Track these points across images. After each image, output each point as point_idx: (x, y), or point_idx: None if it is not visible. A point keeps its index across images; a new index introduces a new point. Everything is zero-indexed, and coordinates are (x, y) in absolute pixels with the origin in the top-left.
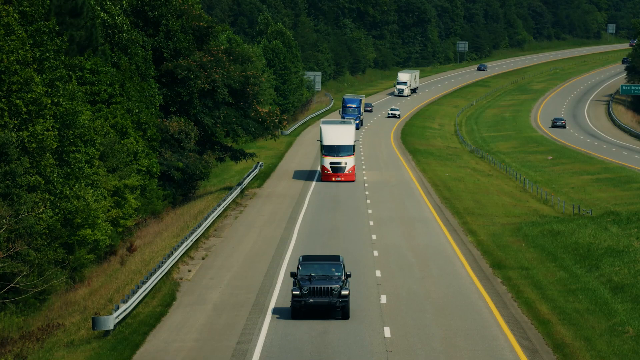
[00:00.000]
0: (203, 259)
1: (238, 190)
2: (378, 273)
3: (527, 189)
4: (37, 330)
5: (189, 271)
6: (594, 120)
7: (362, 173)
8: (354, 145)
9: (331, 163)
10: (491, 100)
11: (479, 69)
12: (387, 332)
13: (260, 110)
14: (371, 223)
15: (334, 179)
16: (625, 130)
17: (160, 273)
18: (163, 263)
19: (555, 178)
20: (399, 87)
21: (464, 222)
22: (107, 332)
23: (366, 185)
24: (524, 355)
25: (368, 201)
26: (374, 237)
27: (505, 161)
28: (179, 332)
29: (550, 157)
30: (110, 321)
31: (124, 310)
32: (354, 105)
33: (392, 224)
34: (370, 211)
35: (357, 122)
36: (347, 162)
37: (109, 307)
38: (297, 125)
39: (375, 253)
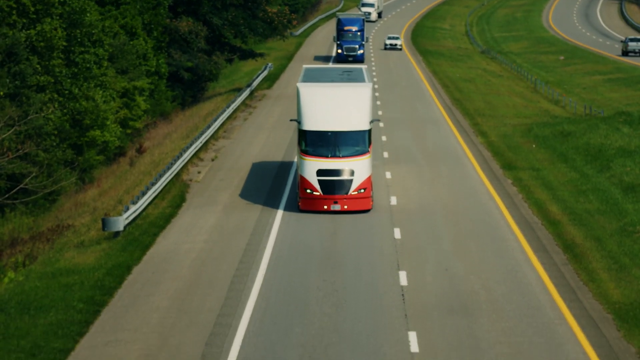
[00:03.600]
0: (212, 160)
1: (247, 91)
2: (388, 175)
3: (539, 89)
4: (47, 230)
5: (199, 172)
6: (606, 19)
7: (372, 75)
8: (369, 132)
9: (320, 173)
10: (502, 0)
11: None
12: (396, 233)
13: (269, 10)
14: (381, 125)
15: (324, 207)
16: (638, 30)
17: (170, 174)
18: (172, 164)
19: (566, 78)
20: (364, 9)
21: (474, 123)
22: (117, 233)
23: (376, 86)
24: (534, 256)
25: (378, 102)
26: (384, 138)
27: (516, 62)
28: (189, 233)
29: (562, 58)
30: (120, 222)
31: (134, 212)
32: (354, 29)
33: (402, 125)
34: (380, 112)
35: (361, 51)
36: (355, 170)
37: (119, 208)
38: (306, 27)
39: (386, 155)
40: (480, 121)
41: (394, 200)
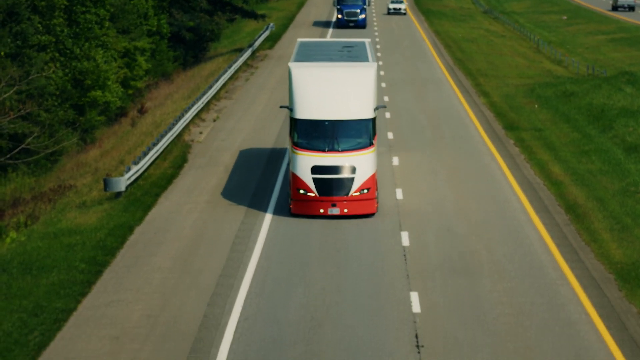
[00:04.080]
0: (214, 120)
1: (249, 52)
2: (390, 135)
3: (541, 49)
4: (49, 191)
5: (200, 133)
6: None
7: (375, 35)
8: (373, 121)
9: (316, 170)
10: None
11: None
12: (399, 194)
13: None
14: (383, 85)
15: (320, 211)
16: None
17: (172, 135)
18: (174, 125)
19: (569, 38)
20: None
21: (476, 83)
22: (119, 193)
23: (378, 47)
24: (536, 216)
25: (380, 62)
26: (386, 99)
27: (519, 22)
28: (191, 193)
29: (565, 17)
30: (121, 183)
31: (135, 172)
32: None
33: (404, 86)
34: (382, 73)
35: (363, 16)
36: (357, 166)
37: (121, 169)
38: None
39: (387, 115)
40: (483, 81)
41: (395, 161)
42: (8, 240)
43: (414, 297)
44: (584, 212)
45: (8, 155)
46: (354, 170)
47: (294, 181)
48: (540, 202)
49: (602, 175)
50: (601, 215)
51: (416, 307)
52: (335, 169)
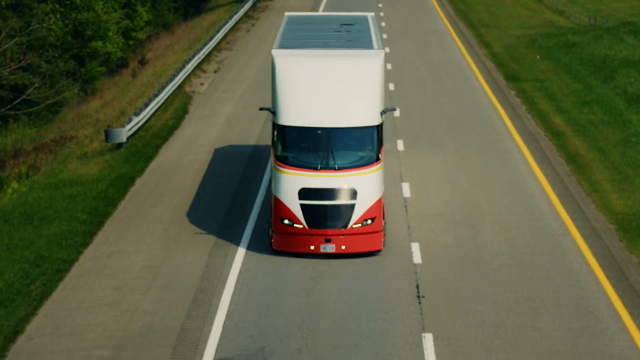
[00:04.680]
0: (215, 72)
1: (250, 3)
2: (391, 86)
3: (543, 0)
4: (50, 142)
5: (202, 84)
6: None
7: None
8: (379, 128)
9: (305, 195)
10: None
11: None
12: (400, 144)
13: None
14: (385, 36)
15: (311, 248)
16: None
17: (173, 86)
18: (175, 76)
19: None
20: None
21: (478, 34)
22: (120, 144)
23: None
24: (537, 167)
25: (382, 14)
26: (387, 50)
27: None
28: (192, 145)
29: None
30: (122, 134)
31: (137, 123)
32: None
33: (405, 37)
34: (383, 24)
35: None
36: (359, 189)
37: (122, 120)
38: None
39: (389, 66)
40: (484, 32)
41: (397, 113)
42: (9, 190)
43: (415, 248)
44: (585, 163)
45: (9, 106)
46: (354, 194)
47: (276, 208)
48: (542, 153)
49: (603, 126)
50: (602, 166)
51: (417, 258)
52: (330, 193)
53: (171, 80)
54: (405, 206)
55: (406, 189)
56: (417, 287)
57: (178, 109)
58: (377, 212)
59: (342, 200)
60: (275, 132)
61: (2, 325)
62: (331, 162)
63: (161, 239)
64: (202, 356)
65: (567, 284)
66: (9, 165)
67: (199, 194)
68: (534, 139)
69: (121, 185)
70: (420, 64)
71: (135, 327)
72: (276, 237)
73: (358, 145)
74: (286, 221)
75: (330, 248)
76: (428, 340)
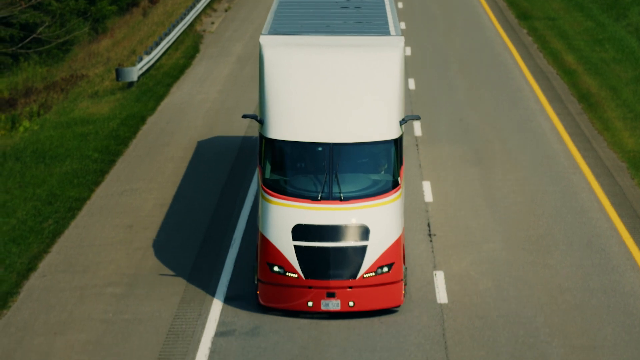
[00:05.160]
0: (226, 11)
1: None
2: (403, 25)
3: None
4: (61, 80)
5: (212, 23)
6: None
7: None
8: (396, 143)
9: (301, 234)
10: None
11: None
12: (411, 83)
13: None
14: None
15: (308, 305)
16: None
17: (184, 25)
18: (186, 15)
19: None
20: None
21: None
22: (131, 83)
23: None
24: (549, 106)
25: None
26: None
27: None
28: (203, 83)
29: None
30: (133, 73)
31: (147, 62)
32: None
33: None
34: None
35: None
36: (372, 226)
37: (132, 59)
38: None
39: (400, 5)
40: None
41: (408, 51)
42: (21, 129)
43: (426, 186)
44: (597, 101)
45: (19, 45)
46: (365, 233)
47: (263, 250)
48: (553, 92)
49: (615, 63)
50: (614, 103)
51: (428, 197)
52: (333, 232)
53: (182, 19)
54: (417, 145)
55: (417, 128)
56: (428, 225)
57: (189, 48)
58: (395, 257)
59: (350, 241)
60: (263, 148)
61: (16, 262)
62: (335, 190)
63: (172, 177)
64: (213, 293)
65: (578, 221)
66: (20, 104)
67: (210, 133)
68: (545, 77)
69: (132, 124)
70: (432, 2)
71: (147, 264)
72: (263, 288)
73: (371, 166)
74: (276, 268)
75: (334, 305)
76: (439, 277)
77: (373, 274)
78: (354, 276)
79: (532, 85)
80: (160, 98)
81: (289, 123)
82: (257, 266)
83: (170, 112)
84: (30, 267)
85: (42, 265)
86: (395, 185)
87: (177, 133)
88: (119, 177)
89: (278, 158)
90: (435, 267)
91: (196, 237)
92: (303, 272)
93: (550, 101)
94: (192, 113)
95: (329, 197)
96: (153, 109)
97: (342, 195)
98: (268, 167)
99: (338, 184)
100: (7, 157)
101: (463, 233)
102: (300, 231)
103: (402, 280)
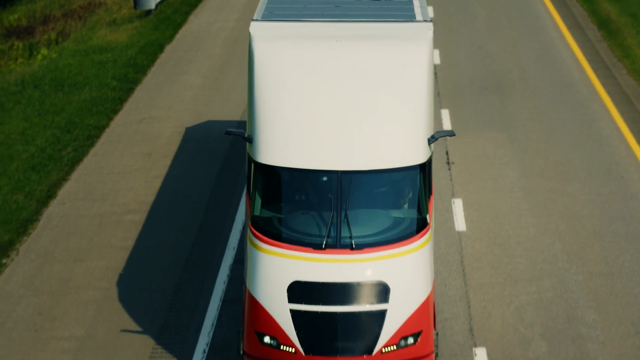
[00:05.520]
0: None
1: None
2: None
3: None
4: (79, 8)
5: None
6: None
7: None
8: (424, 168)
9: (299, 294)
10: None
11: None
12: (430, 11)
13: None
14: None
15: None
16: None
17: None
18: None
19: None
20: None
21: None
22: (149, 11)
23: None
24: (568, 33)
25: None
26: None
27: None
28: (221, 11)
29: None
30: (151, 1)
31: None
32: None
33: None
34: None
35: None
36: (394, 288)
37: None
38: None
39: None
40: None
41: None
42: (39, 57)
43: (445, 114)
44: (617, 28)
45: None
46: (384, 293)
47: (251, 315)
48: (573, 19)
49: None
50: (634, 30)
51: (447, 125)
52: (342, 292)
53: None
54: (436, 72)
55: (436, 56)
56: (447, 153)
57: None
58: (424, 323)
59: (364, 304)
60: (252, 175)
61: (35, 189)
62: (345, 234)
63: (191, 105)
64: (232, 221)
65: (597, 149)
66: (38, 32)
67: (228, 61)
68: (565, 4)
69: (150, 52)
70: None
71: (165, 192)
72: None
73: (391, 201)
74: (267, 339)
75: None
76: (457, 205)
77: (395, 347)
78: (370, 351)
79: (551, 12)
80: (178, 26)
81: (286, 144)
82: (240, 336)
83: (189, 40)
84: (50, 195)
85: (61, 193)
86: (423, 225)
87: (195, 61)
88: (137, 105)
89: (270, 190)
90: (453, 195)
91: (214, 165)
92: (302, 346)
93: (570, 28)
94: (210, 41)
95: (337, 244)
96: (171, 37)
97: (353, 241)
98: (258, 202)
99: (348, 225)
100: (26, 85)
101: (481, 161)
102: (298, 290)
103: (432, 353)
